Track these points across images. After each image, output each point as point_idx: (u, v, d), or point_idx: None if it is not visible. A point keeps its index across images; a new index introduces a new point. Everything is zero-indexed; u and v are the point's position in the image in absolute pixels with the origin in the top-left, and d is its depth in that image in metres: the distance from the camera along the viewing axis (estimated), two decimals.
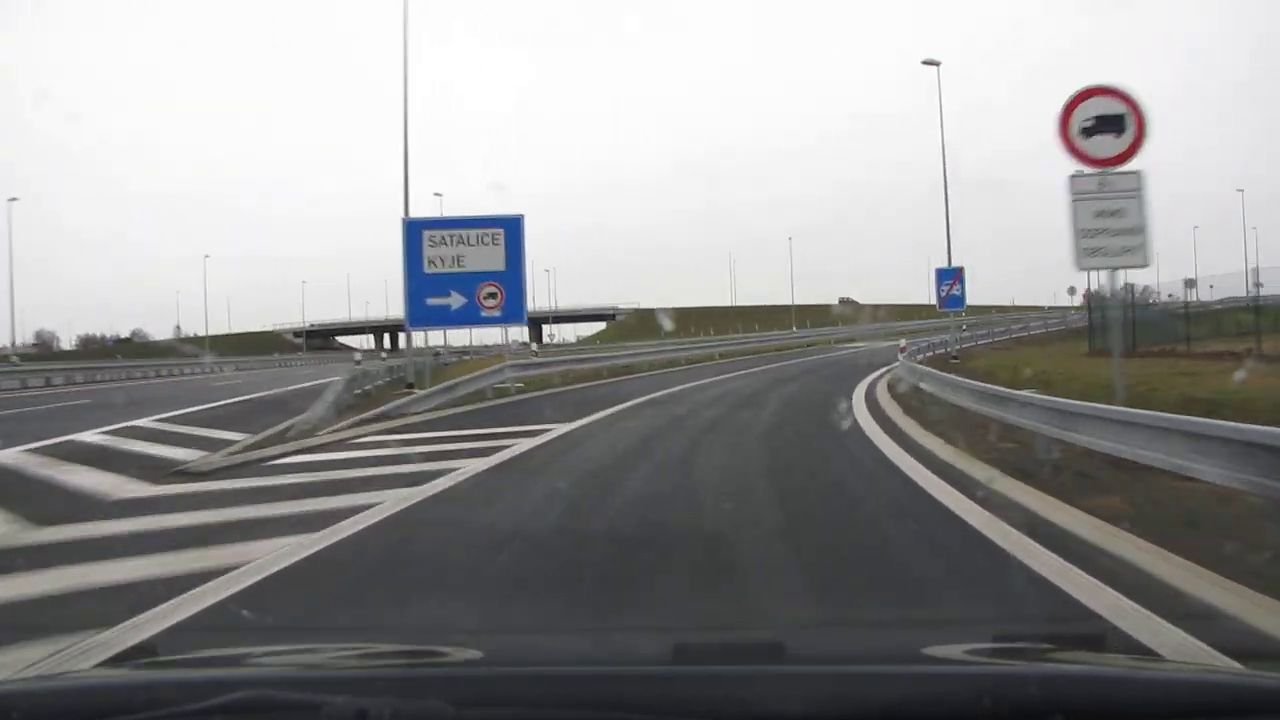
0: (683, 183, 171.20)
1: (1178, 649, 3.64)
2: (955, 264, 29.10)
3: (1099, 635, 3.35)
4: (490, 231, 20.99)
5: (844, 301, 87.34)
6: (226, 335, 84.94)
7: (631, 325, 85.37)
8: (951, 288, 28.64)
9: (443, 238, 20.88)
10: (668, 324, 62.99)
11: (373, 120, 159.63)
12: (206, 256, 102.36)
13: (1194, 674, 2.10)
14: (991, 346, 37.07)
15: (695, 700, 1.60)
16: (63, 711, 1.64)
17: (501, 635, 4.15)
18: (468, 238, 20.94)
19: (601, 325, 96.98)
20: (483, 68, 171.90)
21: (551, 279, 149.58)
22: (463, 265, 20.76)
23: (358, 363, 22.94)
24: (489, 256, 20.91)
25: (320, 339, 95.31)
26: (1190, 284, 49.01)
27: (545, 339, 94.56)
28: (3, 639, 4.30)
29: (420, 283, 20.66)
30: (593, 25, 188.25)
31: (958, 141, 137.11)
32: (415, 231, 20.96)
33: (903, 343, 24.58)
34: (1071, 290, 57.18)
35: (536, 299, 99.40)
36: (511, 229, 21.15)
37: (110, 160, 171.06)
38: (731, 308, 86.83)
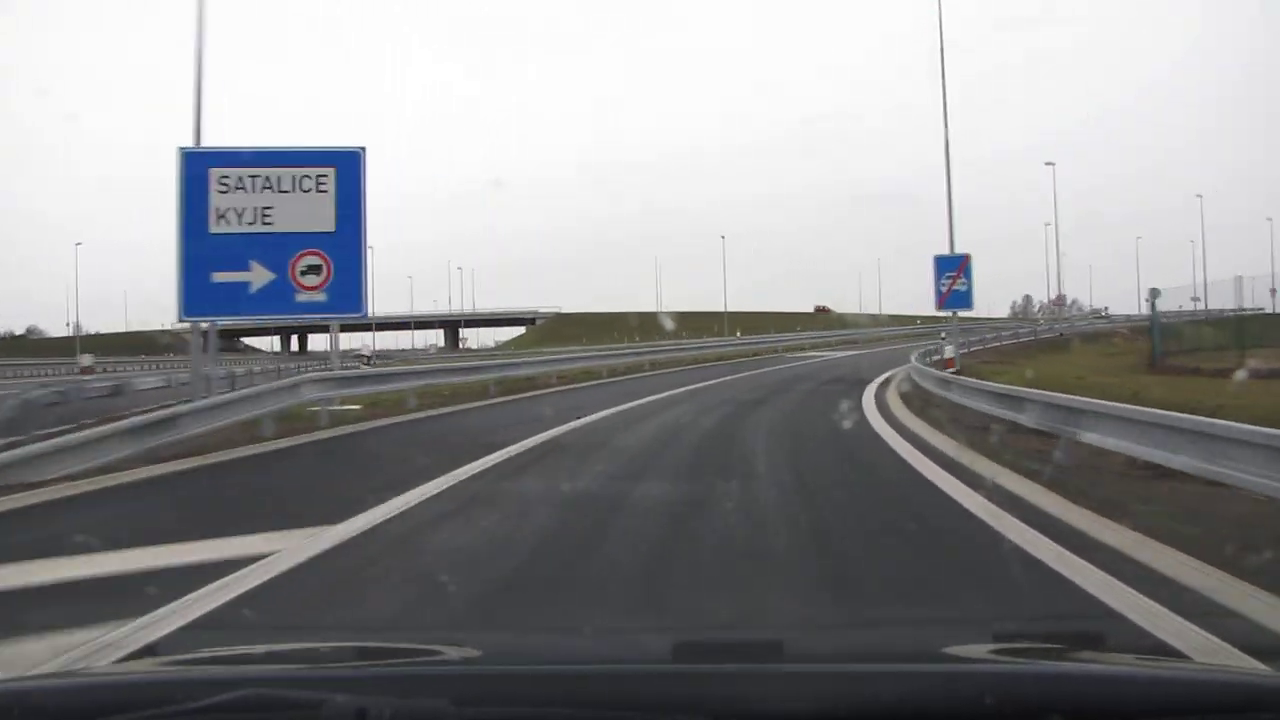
0: (615, 185, 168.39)
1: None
2: (958, 251, 21.68)
3: (1100, 634, 3.22)
4: (314, 173, 13.49)
5: (820, 309, 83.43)
6: (121, 334, 77.17)
7: (552, 330, 79.12)
8: (955, 281, 21.35)
9: (240, 180, 13.25)
10: (669, 324, 58.60)
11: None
12: (78, 244, 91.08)
13: (1195, 673, 2.10)
14: (1000, 357, 31.88)
15: (695, 699, 1.58)
16: (63, 710, 1.63)
17: (501, 634, 4.13)
18: (278, 180, 13.39)
19: (521, 330, 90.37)
20: (423, 66, 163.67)
21: (467, 279, 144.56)
22: (270, 222, 13.35)
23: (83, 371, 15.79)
24: (311, 210, 13.45)
25: (225, 340, 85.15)
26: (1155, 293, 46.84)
27: (461, 343, 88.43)
28: (2, 637, 4.21)
29: (202, 247, 13.16)
30: (541, 27, 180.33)
31: (871, 154, 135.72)
32: (197, 169, 13.22)
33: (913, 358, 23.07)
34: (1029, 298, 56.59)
35: (453, 300, 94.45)
36: (347, 168, 13.65)
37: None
38: (664, 313, 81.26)
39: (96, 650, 3.89)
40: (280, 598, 4.92)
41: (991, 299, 77.90)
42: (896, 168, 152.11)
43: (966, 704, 1.54)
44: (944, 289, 21.47)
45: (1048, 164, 58.38)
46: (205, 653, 2.72)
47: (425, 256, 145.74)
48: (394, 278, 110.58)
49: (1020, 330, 47.91)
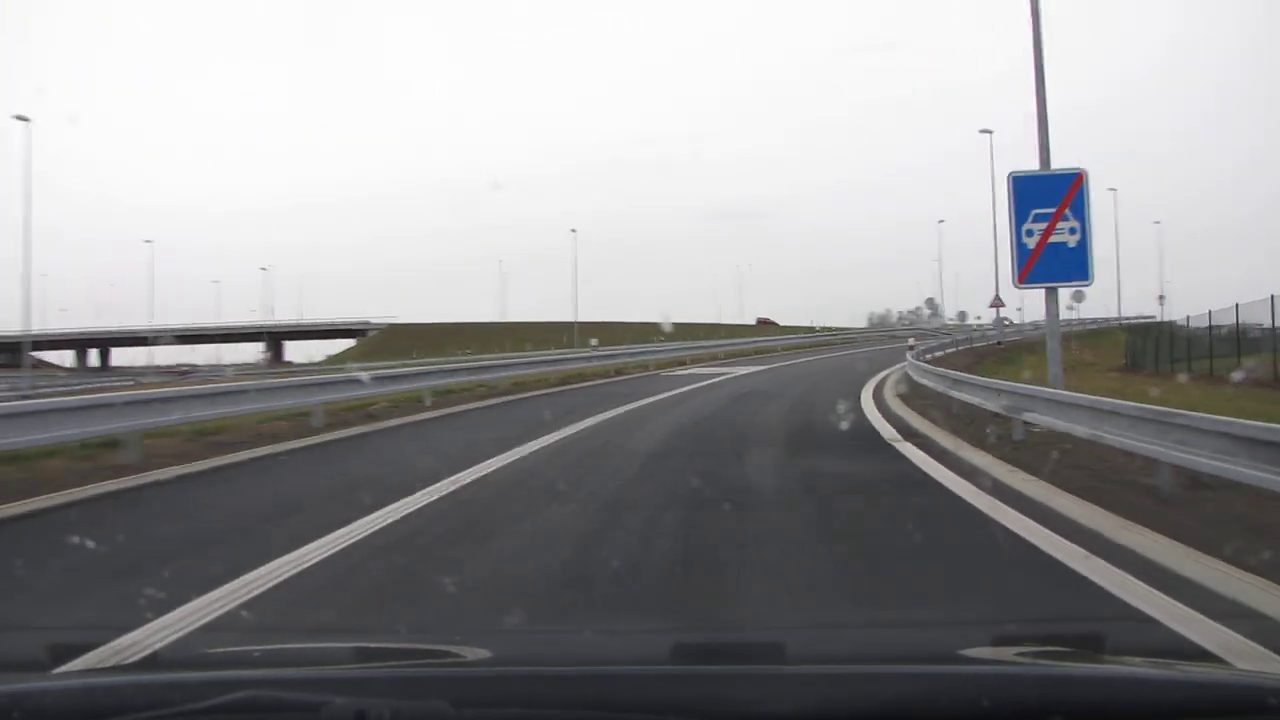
0: (453, 199, 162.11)
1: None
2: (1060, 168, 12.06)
3: (1098, 635, 3.15)
4: None
5: (763, 322, 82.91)
6: None
7: (383, 342, 75.72)
8: (1052, 226, 11.63)
9: None
10: (667, 327, 54.51)
11: None
12: None
13: (1193, 674, 2.10)
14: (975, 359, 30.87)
15: (694, 700, 1.58)
16: (63, 711, 1.64)
17: (501, 635, 4.09)
18: None
19: (351, 342, 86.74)
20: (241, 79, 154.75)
21: (294, 288, 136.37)
22: None
23: None
24: None
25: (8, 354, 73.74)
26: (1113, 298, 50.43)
27: (288, 356, 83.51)
28: (2, 639, 4.20)
29: None
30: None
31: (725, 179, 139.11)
32: None
33: (911, 341, 26.33)
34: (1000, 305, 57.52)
35: (276, 310, 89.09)
36: None
37: None
38: (506, 324, 77.96)
39: (96, 650, 3.80)
40: None
41: (853, 313, 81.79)
42: (748, 187, 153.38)
43: (967, 705, 1.54)
44: (1032, 244, 11.78)
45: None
46: (204, 654, 2.67)
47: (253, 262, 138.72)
48: (202, 283, 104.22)
49: (958, 338, 46.18)
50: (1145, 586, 4.56)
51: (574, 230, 63.31)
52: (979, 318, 56.59)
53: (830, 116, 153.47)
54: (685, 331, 53.31)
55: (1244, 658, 3.45)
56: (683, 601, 4.74)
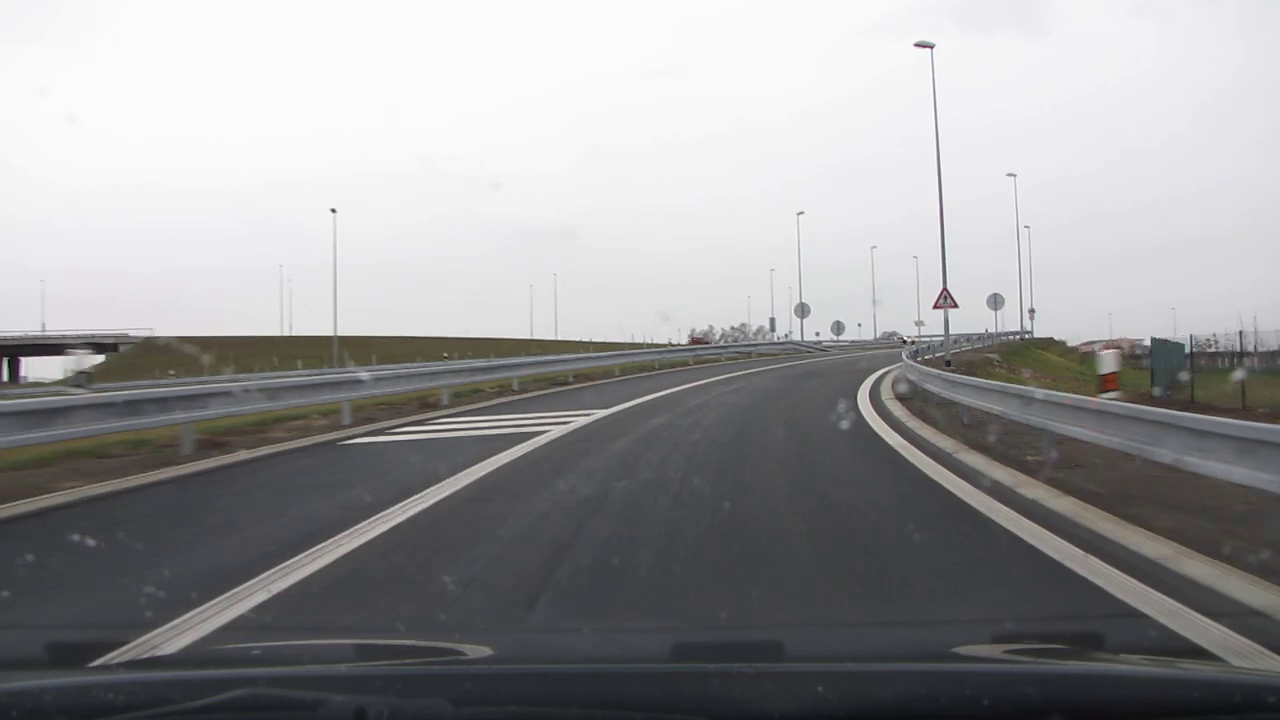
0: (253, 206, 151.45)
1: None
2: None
3: (1098, 635, 3.21)
4: None
5: (695, 340, 79.57)
6: None
7: (133, 359, 67.75)
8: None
9: None
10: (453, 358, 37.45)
11: None
12: None
13: (1193, 672, 2.10)
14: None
15: (694, 699, 1.58)
16: (63, 710, 1.62)
17: (500, 633, 4.09)
18: None
19: (101, 358, 78.09)
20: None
21: (36, 296, 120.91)
22: None
23: None
24: None
25: None
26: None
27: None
28: (1, 637, 4.16)
29: None
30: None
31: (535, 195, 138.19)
32: None
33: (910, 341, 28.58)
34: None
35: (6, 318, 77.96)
36: None
37: None
38: (288, 338, 71.49)
39: (95, 648, 3.69)
40: None
41: (679, 329, 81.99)
42: (559, 205, 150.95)
43: (967, 704, 1.54)
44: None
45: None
46: (203, 652, 2.66)
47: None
48: None
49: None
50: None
51: (333, 210, 57.73)
52: (817, 334, 59.27)
53: (642, 139, 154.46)
54: (485, 349, 48.20)
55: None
56: None
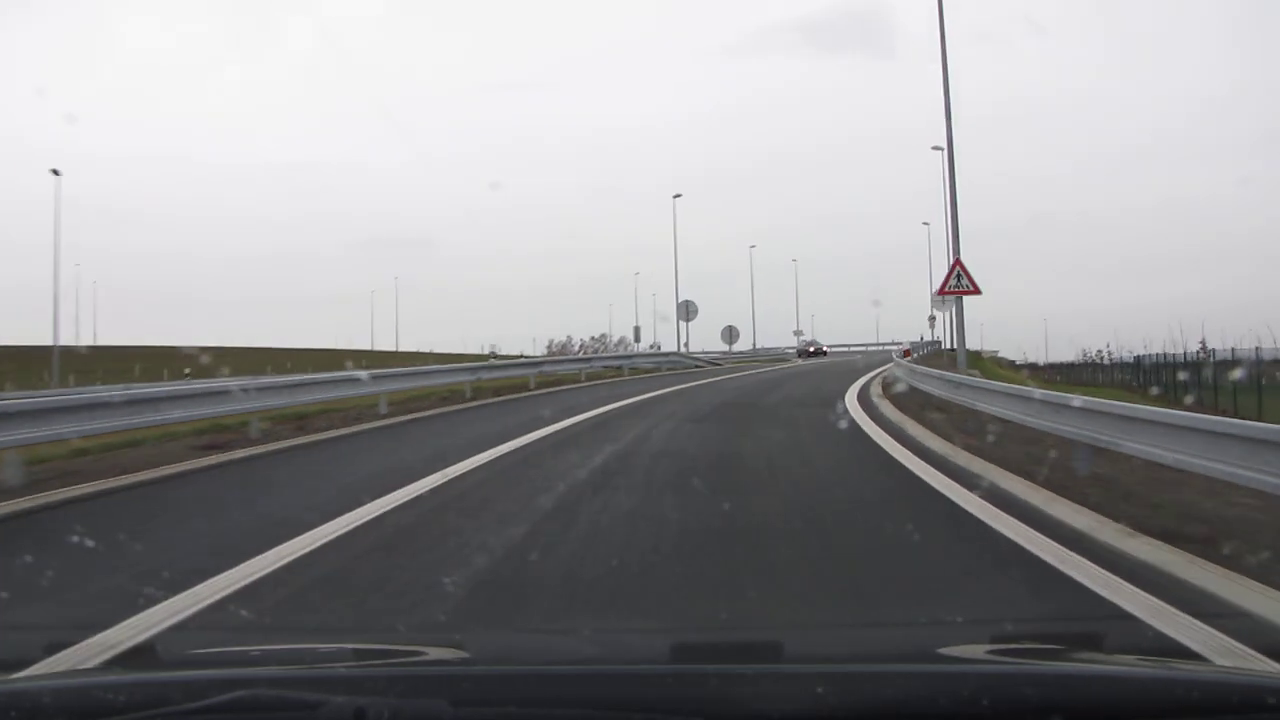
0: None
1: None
2: None
3: (1099, 635, 3.22)
4: None
5: (554, 350, 75.79)
6: None
7: None
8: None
9: None
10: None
11: None
12: None
13: (1192, 673, 2.11)
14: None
15: (694, 699, 1.57)
16: (60, 711, 1.62)
17: (500, 634, 4.07)
18: None
19: None
20: None
21: None
22: None
23: None
24: None
25: None
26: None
27: None
28: (1, 639, 4.14)
29: None
30: None
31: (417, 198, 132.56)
32: None
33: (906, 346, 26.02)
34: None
35: None
36: None
37: None
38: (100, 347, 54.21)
39: (93, 649, 3.76)
40: None
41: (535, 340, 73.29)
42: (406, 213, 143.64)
43: (966, 705, 1.54)
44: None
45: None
46: (202, 653, 2.67)
47: None
48: None
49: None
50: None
51: (55, 171, 42.80)
52: (687, 344, 50.97)
53: (487, 145, 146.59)
54: (305, 361, 40.01)
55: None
56: None
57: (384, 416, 15.81)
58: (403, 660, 2.33)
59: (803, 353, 61.01)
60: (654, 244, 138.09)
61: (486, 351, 40.48)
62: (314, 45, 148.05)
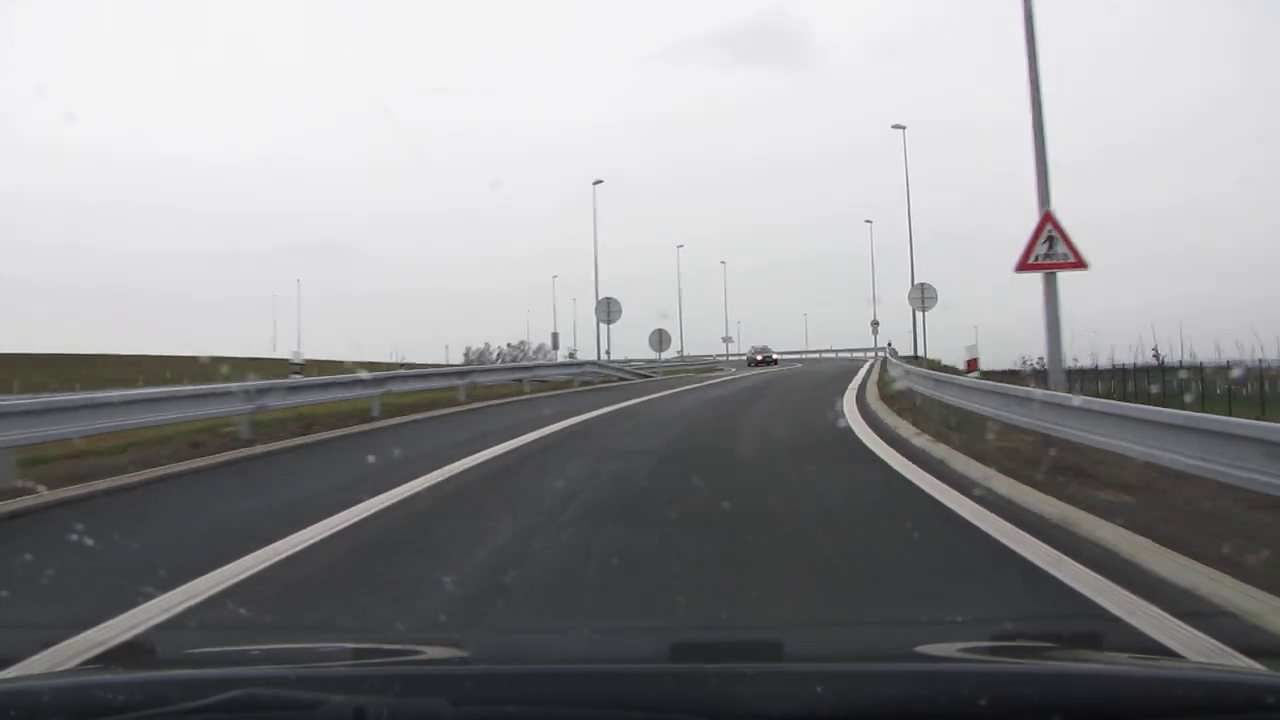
0: None
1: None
2: None
3: (1097, 634, 3.23)
4: None
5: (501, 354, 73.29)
6: None
7: None
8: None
9: None
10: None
11: None
12: None
13: (1192, 672, 2.11)
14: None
15: (693, 698, 1.58)
16: (60, 709, 1.62)
17: (500, 633, 4.06)
18: None
19: None
20: None
21: None
22: None
23: None
24: None
25: None
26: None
27: None
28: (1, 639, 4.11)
29: None
30: None
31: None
32: None
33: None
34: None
35: None
36: None
37: None
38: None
39: (92, 650, 3.73)
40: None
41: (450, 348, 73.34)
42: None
43: (966, 704, 1.54)
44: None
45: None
46: (201, 652, 2.67)
47: None
48: None
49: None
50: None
51: None
52: (609, 351, 46.15)
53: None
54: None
55: None
56: None
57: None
58: (402, 659, 2.32)
59: (753, 361, 57.97)
60: (577, 249, 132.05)
61: (293, 357, 28.54)
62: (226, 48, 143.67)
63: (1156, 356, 25.44)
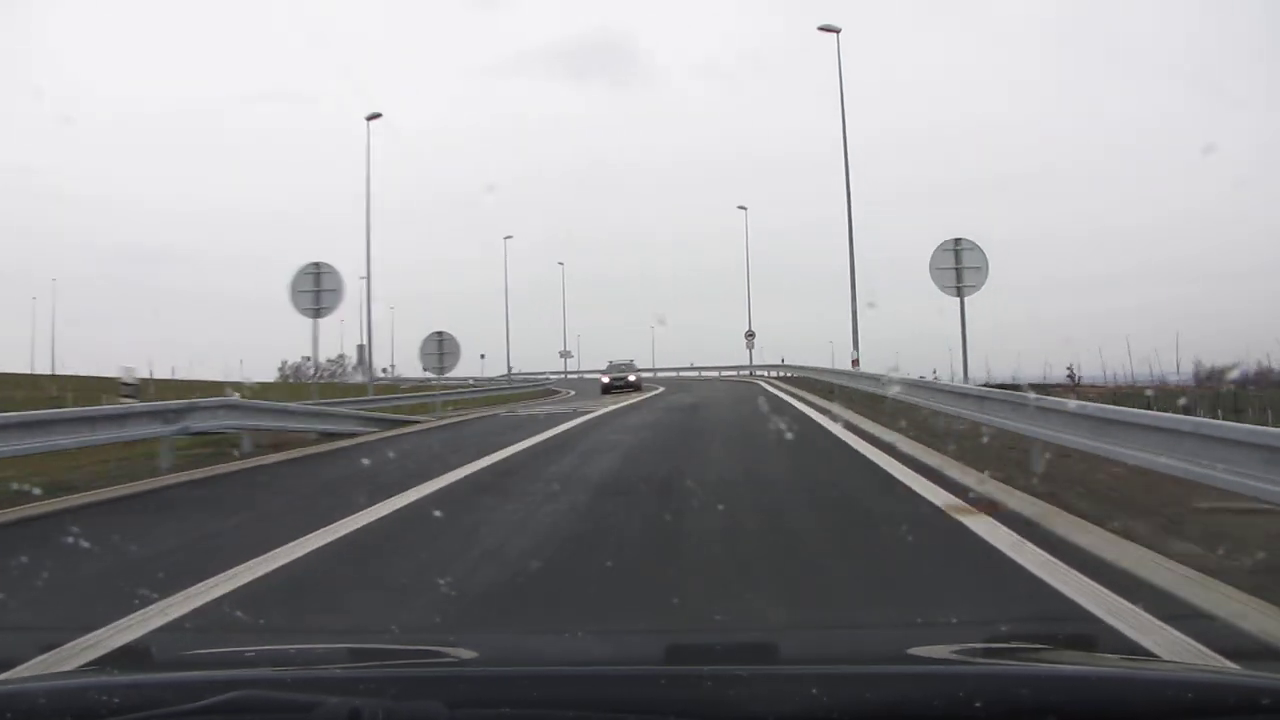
0: None
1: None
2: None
3: (1091, 636, 3.31)
4: None
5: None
6: None
7: None
8: None
9: None
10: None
11: None
12: None
13: (1186, 674, 2.12)
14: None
15: (688, 700, 1.59)
16: (55, 712, 1.62)
17: (495, 635, 4.06)
18: None
19: None
20: None
21: None
22: None
23: None
24: None
25: None
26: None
27: None
28: None
29: None
30: None
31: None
32: None
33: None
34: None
35: None
36: None
37: None
38: None
39: (90, 650, 3.72)
40: None
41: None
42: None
43: (961, 705, 1.54)
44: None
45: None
46: (198, 653, 2.66)
47: None
48: None
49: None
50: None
51: None
52: (384, 368, 42.93)
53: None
54: None
55: None
56: None
57: None
58: (398, 661, 2.33)
59: (610, 387, 39.60)
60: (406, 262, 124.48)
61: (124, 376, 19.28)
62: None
63: (1071, 375, 25.43)
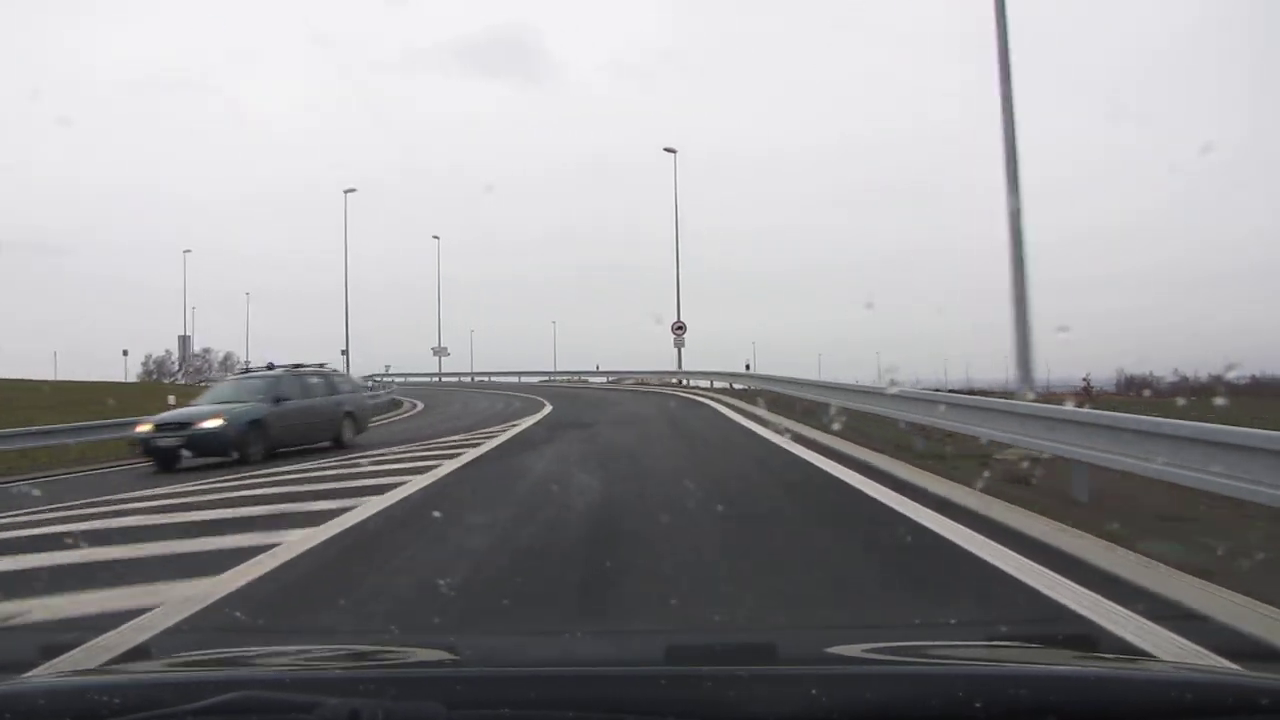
0: None
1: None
2: None
3: (1090, 636, 3.31)
4: None
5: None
6: None
7: None
8: None
9: None
10: None
11: None
12: None
13: (1185, 674, 2.11)
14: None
15: (687, 701, 1.59)
16: (56, 713, 1.62)
17: (494, 636, 4.07)
18: None
19: None
20: None
21: None
22: None
23: None
24: None
25: None
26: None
27: None
28: None
29: None
30: None
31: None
32: None
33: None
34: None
35: None
36: None
37: None
38: None
39: (89, 651, 3.72)
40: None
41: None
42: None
43: (960, 706, 1.54)
44: None
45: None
46: (198, 654, 2.67)
47: None
48: None
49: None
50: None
51: None
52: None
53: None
54: None
55: None
56: None
57: None
58: (397, 662, 2.33)
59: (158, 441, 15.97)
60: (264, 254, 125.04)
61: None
62: None
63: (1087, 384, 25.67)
